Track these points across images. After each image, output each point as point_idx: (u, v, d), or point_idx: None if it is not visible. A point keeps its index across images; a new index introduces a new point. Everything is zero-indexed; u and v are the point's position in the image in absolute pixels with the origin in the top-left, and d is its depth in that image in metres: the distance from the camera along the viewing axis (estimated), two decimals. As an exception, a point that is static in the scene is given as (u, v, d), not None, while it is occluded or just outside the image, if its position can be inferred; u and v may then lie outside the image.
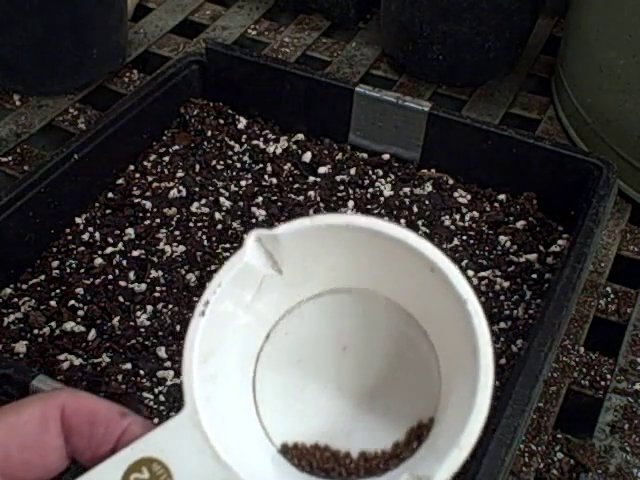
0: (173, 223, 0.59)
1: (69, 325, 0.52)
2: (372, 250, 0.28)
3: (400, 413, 0.29)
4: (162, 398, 0.48)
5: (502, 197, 0.61)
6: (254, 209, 0.60)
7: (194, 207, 0.60)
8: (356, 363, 0.30)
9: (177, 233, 0.58)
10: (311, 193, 0.61)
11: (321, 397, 0.30)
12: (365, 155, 0.65)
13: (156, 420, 0.47)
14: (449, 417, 0.27)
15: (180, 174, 0.63)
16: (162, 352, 0.50)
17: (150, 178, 0.63)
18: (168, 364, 0.50)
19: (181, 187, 0.62)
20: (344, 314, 0.30)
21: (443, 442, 0.26)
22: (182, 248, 0.57)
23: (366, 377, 0.30)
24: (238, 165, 0.64)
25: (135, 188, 0.62)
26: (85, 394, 0.28)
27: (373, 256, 0.29)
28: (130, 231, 0.58)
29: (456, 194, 0.62)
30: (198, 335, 0.27)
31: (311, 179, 0.63)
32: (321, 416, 0.30)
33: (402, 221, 0.59)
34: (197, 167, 0.64)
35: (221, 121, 0.68)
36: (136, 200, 0.60)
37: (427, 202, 0.61)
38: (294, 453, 0.29)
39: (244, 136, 0.67)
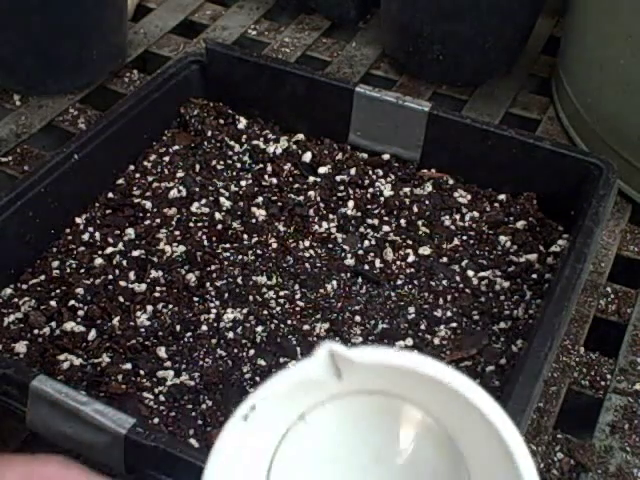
0: (173, 223, 0.59)
1: (69, 325, 0.52)
2: (426, 384, 0.26)
3: None
4: (162, 398, 0.48)
5: (502, 197, 0.61)
6: (254, 209, 0.60)
7: (194, 207, 0.60)
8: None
9: (177, 233, 0.58)
10: (311, 193, 0.61)
11: None
12: (365, 155, 0.65)
13: (156, 420, 0.47)
14: None
15: (180, 174, 0.63)
16: (162, 352, 0.50)
17: (150, 178, 0.63)
18: (168, 364, 0.50)
19: (181, 187, 0.62)
20: (390, 425, 0.29)
21: None
22: (182, 248, 0.57)
23: None
24: (238, 165, 0.64)
25: (135, 188, 0.61)
26: (77, 467, 0.26)
27: (426, 388, 0.27)
28: (130, 231, 0.58)
29: (456, 194, 0.62)
30: (232, 440, 0.25)
31: (311, 179, 0.63)
32: None
33: (402, 221, 0.59)
34: (197, 167, 0.64)
35: (221, 121, 0.68)
36: (136, 200, 0.60)
37: (427, 202, 0.61)
38: None
39: (244, 136, 0.67)
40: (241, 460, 0.26)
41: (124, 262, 0.56)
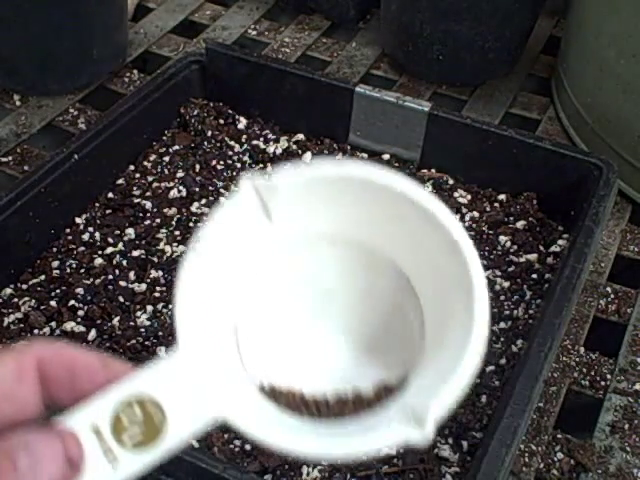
0: (173, 223, 0.59)
1: (69, 325, 0.52)
2: (365, 200, 0.28)
3: (379, 360, 0.29)
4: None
5: (502, 197, 0.61)
6: (254, 209, 0.60)
7: (194, 207, 0.60)
8: (339, 309, 0.30)
9: (177, 233, 0.58)
10: (311, 193, 0.61)
11: (301, 340, 0.30)
12: (365, 155, 0.65)
13: (156, 420, 0.47)
14: (437, 362, 0.27)
15: (180, 174, 0.63)
16: (162, 352, 0.50)
17: (150, 178, 0.63)
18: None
19: (181, 187, 0.62)
20: (333, 262, 0.30)
21: (436, 377, 0.26)
22: (182, 248, 0.57)
23: (347, 323, 0.30)
24: (238, 165, 0.64)
25: (135, 188, 0.61)
26: (63, 344, 0.27)
27: (366, 206, 0.29)
28: (130, 231, 0.58)
29: (456, 194, 0.62)
30: (191, 274, 0.27)
31: (311, 179, 0.63)
32: (300, 359, 0.30)
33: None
34: (197, 167, 0.64)
35: (221, 121, 0.68)
36: (136, 200, 0.60)
37: (427, 202, 0.61)
38: (272, 392, 0.29)
39: (244, 136, 0.67)
40: (206, 292, 0.27)
41: (124, 262, 0.56)
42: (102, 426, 0.25)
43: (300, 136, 0.67)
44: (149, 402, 0.26)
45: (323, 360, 0.30)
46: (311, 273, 0.31)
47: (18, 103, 0.74)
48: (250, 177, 0.28)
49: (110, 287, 0.54)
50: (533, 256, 0.57)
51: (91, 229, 0.58)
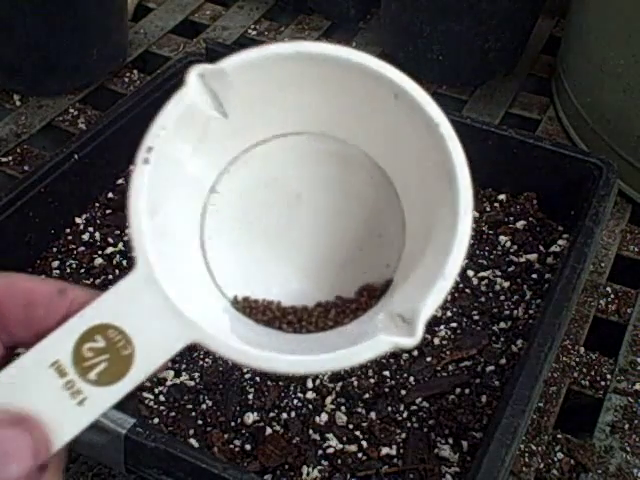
0: (173, 223, 0.59)
1: (69, 325, 0.51)
2: (328, 84, 0.26)
3: (359, 264, 0.27)
4: (162, 398, 0.48)
5: (502, 197, 0.61)
6: (254, 209, 0.60)
7: (194, 207, 0.60)
8: (311, 212, 0.28)
9: (177, 233, 0.58)
10: (311, 193, 0.61)
11: (273, 249, 0.28)
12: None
13: (156, 420, 0.47)
14: (421, 263, 0.25)
15: (180, 174, 0.63)
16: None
17: (150, 178, 0.63)
18: (168, 364, 0.50)
19: (181, 187, 0.62)
20: (298, 160, 0.28)
21: (420, 281, 0.24)
22: (182, 248, 0.57)
23: (322, 227, 0.28)
24: (238, 165, 0.64)
25: (135, 188, 0.61)
26: (18, 275, 0.25)
27: (330, 91, 0.26)
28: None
29: (456, 194, 0.62)
30: (144, 185, 0.24)
31: (311, 179, 0.63)
32: (274, 268, 0.28)
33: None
34: (197, 167, 0.64)
35: (221, 121, 0.68)
36: (136, 200, 0.60)
37: (427, 202, 0.61)
38: (247, 305, 0.27)
39: (244, 136, 0.67)
40: (165, 205, 0.25)
41: (124, 262, 0.56)
42: (63, 361, 0.24)
43: (300, 136, 0.66)
44: (112, 330, 0.24)
45: (300, 268, 0.28)
46: (277, 175, 0.28)
47: (18, 103, 0.74)
48: (197, 66, 0.25)
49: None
50: (533, 256, 0.57)
51: (91, 229, 0.58)
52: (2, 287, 0.25)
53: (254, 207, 0.28)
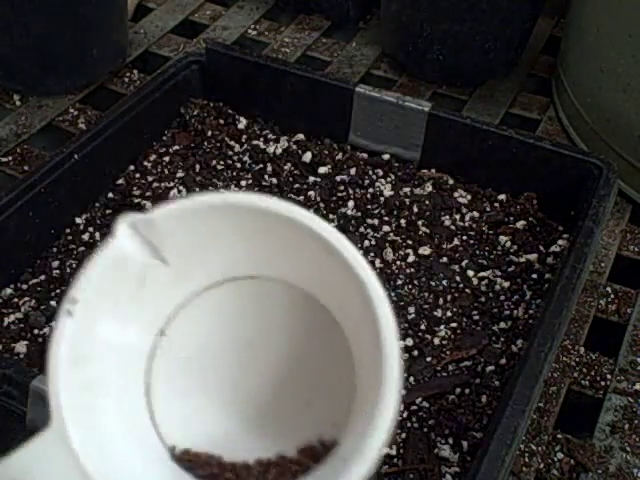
0: (173, 223, 0.59)
1: (69, 325, 0.51)
2: (263, 231, 0.25)
3: (305, 420, 0.26)
4: None
5: (502, 197, 0.61)
6: (254, 209, 0.60)
7: (194, 207, 0.60)
8: (262, 362, 0.27)
9: (177, 233, 0.58)
10: (311, 193, 0.61)
11: (220, 398, 0.27)
12: (365, 155, 0.65)
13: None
14: (356, 421, 0.24)
15: (180, 174, 0.63)
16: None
17: (150, 178, 0.63)
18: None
19: (181, 187, 0.62)
20: (248, 305, 0.27)
21: (348, 450, 0.23)
22: (182, 248, 0.57)
23: (271, 378, 0.27)
24: (238, 165, 0.64)
25: (135, 188, 0.61)
26: None
27: (266, 238, 0.25)
28: (130, 231, 0.58)
29: (456, 194, 0.62)
30: (65, 338, 0.24)
31: (311, 179, 0.63)
32: (217, 419, 0.27)
33: (402, 221, 0.59)
34: (197, 167, 0.64)
35: (221, 121, 0.68)
36: (136, 200, 0.60)
37: (427, 202, 0.61)
38: (186, 458, 0.26)
39: (244, 136, 0.67)
40: (94, 356, 0.24)
41: (124, 262, 0.56)
42: None
43: (300, 136, 0.67)
44: None
45: (245, 420, 0.26)
46: (227, 321, 0.27)
47: (18, 103, 0.74)
48: (127, 215, 0.25)
49: (110, 287, 0.54)
50: (533, 256, 0.57)
51: (91, 229, 0.58)
52: None
53: (203, 353, 0.27)
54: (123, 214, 0.24)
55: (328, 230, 0.24)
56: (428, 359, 0.50)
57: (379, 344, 0.23)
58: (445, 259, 0.57)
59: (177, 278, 0.26)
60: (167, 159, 0.64)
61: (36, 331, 0.51)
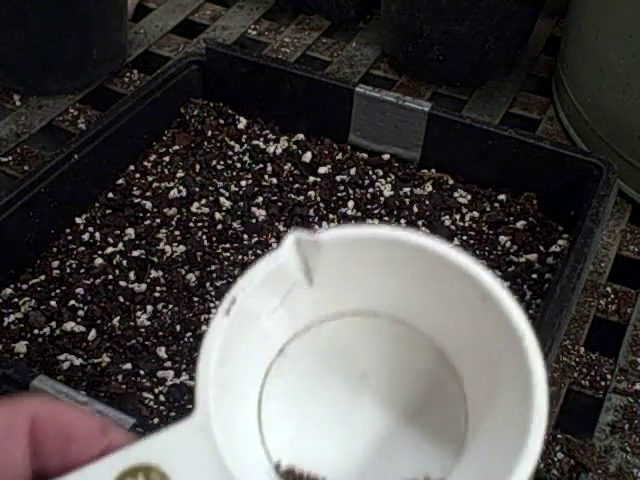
0: (173, 223, 0.59)
1: (69, 325, 0.52)
2: (415, 273, 0.25)
3: (412, 462, 0.26)
4: (162, 398, 0.48)
5: (502, 197, 0.61)
6: (254, 209, 0.60)
7: (194, 207, 0.60)
8: (375, 396, 0.27)
9: (177, 233, 0.58)
10: (311, 193, 0.61)
11: (327, 425, 0.27)
12: (365, 155, 0.65)
13: (156, 420, 0.47)
14: (479, 465, 0.24)
15: (180, 174, 0.63)
16: (162, 352, 0.50)
17: (150, 178, 0.63)
18: (168, 364, 0.50)
19: (181, 187, 0.62)
20: (370, 339, 0.28)
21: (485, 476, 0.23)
22: (182, 248, 0.57)
23: (382, 413, 0.27)
24: (238, 165, 0.64)
25: (135, 188, 0.62)
26: (61, 404, 0.25)
27: (415, 280, 0.26)
28: (130, 231, 0.58)
29: (456, 194, 0.62)
30: (221, 334, 0.24)
31: (311, 179, 0.63)
32: (323, 445, 0.27)
33: (402, 221, 0.59)
34: (197, 167, 0.64)
35: (221, 121, 0.68)
36: (136, 200, 0.60)
37: (427, 202, 0.61)
38: (289, 475, 0.26)
39: (244, 136, 0.67)
40: (233, 357, 0.25)
41: (124, 262, 0.56)
42: None
43: (300, 136, 0.67)
44: (156, 474, 0.23)
45: (350, 450, 0.27)
46: (347, 350, 0.28)
47: (18, 103, 0.74)
48: (295, 231, 0.25)
49: (110, 287, 0.54)
50: (533, 256, 0.57)
51: (91, 229, 0.58)
52: (48, 411, 0.24)
53: (319, 378, 0.28)
54: (291, 230, 0.25)
55: (488, 277, 0.24)
56: (428, 359, 0.50)
57: (528, 395, 0.23)
58: (445, 259, 0.57)
59: (314, 301, 0.27)
60: (167, 159, 0.64)
61: (36, 331, 0.51)
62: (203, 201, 0.61)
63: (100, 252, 0.57)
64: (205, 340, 0.24)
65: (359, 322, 0.28)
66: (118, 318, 0.52)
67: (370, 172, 0.64)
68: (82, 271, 0.55)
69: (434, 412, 0.27)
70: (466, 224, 0.60)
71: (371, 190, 0.62)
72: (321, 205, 0.61)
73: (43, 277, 0.55)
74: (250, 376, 0.27)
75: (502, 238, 0.58)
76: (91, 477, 0.23)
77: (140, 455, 0.23)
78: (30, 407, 0.24)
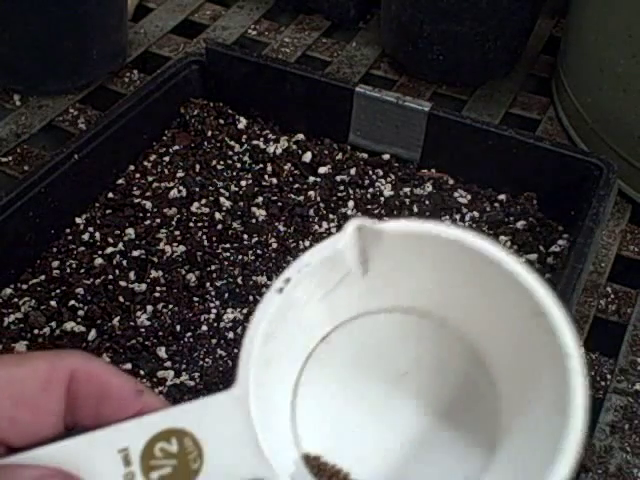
0: (173, 223, 0.59)
1: (69, 325, 0.52)
2: (469, 275, 0.25)
3: (441, 466, 0.26)
4: (162, 398, 0.48)
5: (502, 197, 0.61)
6: (254, 209, 0.60)
7: (194, 207, 0.60)
8: (412, 395, 0.27)
9: (177, 233, 0.58)
10: (311, 193, 0.61)
11: (360, 419, 0.27)
12: (365, 155, 0.65)
13: (156, 420, 0.47)
14: (518, 457, 0.25)
15: (180, 174, 0.63)
16: (162, 352, 0.50)
17: (150, 178, 0.63)
18: (168, 364, 0.50)
19: (181, 187, 0.62)
20: (413, 337, 0.27)
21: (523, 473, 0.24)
22: (182, 248, 0.57)
23: (417, 414, 0.27)
24: (238, 165, 0.64)
25: (135, 188, 0.62)
26: (101, 362, 0.25)
27: (468, 282, 0.26)
28: (130, 231, 0.58)
29: (456, 194, 0.62)
30: (270, 312, 0.24)
31: (311, 179, 0.63)
32: (354, 438, 0.27)
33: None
34: (197, 167, 0.64)
35: (221, 121, 0.68)
36: (136, 200, 0.60)
37: (427, 202, 0.61)
38: (315, 464, 0.26)
39: (244, 136, 0.67)
40: (279, 337, 0.25)
41: (124, 262, 0.56)
42: (133, 451, 0.23)
43: (300, 136, 0.67)
44: (189, 439, 0.23)
45: (380, 447, 0.27)
46: (391, 346, 0.28)
47: (18, 103, 0.74)
48: (358, 218, 0.25)
49: (110, 287, 0.54)
50: (533, 256, 0.57)
51: (91, 229, 0.58)
52: (87, 369, 0.25)
53: (358, 370, 0.28)
54: (353, 220, 0.25)
55: (544, 292, 0.24)
56: (428, 359, 0.50)
57: (567, 411, 0.24)
58: (445, 259, 0.57)
59: (366, 291, 0.26)
60: (167, 159, 0.64)
61: (36, 331, 0.51)
62: (203, 201, 0.61)
63: (100, 252, 0.57)
64: (254, 316, 0.24)
65: (405, 319, 0.27)
66: (118, 318, 0.52)
67: (370, 172, 0.64)
68: (82, 271, 0.55)
69: (467, 415, 0.27)
70: (466, 224, 0.60)
71: (371, 190, 0.62)
72: (321, 205, 0.61)
73: (43, 277, 0.55)
74: (291, 358, 0.27)
75: (502, 238, 0.58)
76: (126, 434, 0.23)
77: (175, 420, 0.24)
78: (70, 363, 0.24)
